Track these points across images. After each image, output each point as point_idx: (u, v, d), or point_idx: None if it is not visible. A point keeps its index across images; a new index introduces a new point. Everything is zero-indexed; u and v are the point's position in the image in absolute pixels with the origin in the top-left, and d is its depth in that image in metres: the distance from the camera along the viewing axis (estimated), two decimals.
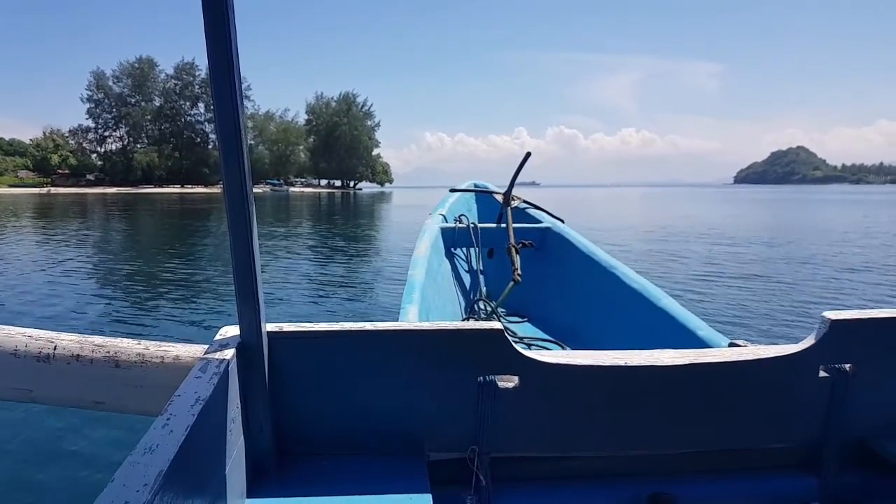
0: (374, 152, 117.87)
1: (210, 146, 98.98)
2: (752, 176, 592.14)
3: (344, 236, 15.42)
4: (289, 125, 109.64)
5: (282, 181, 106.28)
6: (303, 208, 35.39)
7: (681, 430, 1.13)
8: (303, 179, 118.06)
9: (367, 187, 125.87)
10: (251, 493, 1.00)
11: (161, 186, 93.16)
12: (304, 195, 76.15)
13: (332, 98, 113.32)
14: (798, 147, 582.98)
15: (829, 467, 1.17)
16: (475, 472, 1.09)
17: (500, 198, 3.51)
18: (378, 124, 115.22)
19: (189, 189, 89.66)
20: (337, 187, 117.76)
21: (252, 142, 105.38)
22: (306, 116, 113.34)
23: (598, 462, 1.17)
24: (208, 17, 0.77)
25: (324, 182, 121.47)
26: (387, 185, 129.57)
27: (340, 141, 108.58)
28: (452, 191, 3.91)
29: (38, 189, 79.40)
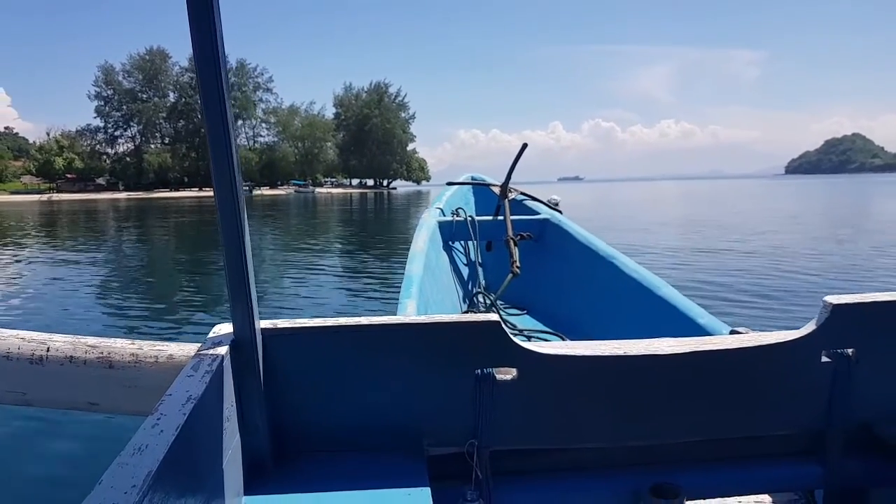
0: (409, 147, 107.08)
1: None
2: (805, 165, 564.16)
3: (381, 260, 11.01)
4: (315, 119, 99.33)
5: (308, 181, 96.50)
6: (330, 213, 30.36)
7: (683, 419, 1.12)
8: (332, 179, 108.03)
9: (401, 186, 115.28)
10: (248, 492, 0.99)
11: (177, 190, 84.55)
12: (332, 196, 67.02)
13: (362, 89, 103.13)
14: (853, 134, 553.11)
15: (832, 453, 1.16)
16: (474, 467, 1.07)
17: (497, 190, 3.50)
18: (413, 116, 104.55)
19: (207, 192, 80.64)
20: (369, 187, 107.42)
21: (275, 139, 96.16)
22: (335, 110, 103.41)
23: (599, 453, 1.16)
24: (193, 13, 0.78)
25: (355, 182, 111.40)
26: (423, 183, 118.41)
27: (372, 135, 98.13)
28: (449, 184, 3.94)
29: (37, 196, 71.53)
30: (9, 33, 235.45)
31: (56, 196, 72.15)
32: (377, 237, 16.29)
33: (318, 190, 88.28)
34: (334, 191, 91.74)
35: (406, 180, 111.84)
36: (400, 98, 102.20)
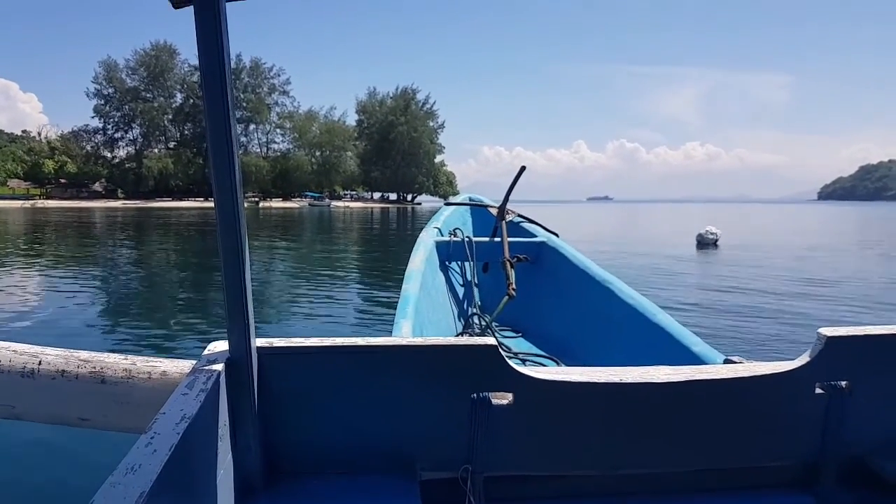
0: (437, 159, 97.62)
1: (241, 150, 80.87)
2: (839, 192, 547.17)
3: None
4: (335, 125, 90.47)
5: (325, 194, 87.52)
6: (348, 231, 26.12)
7: (676, 448, 1.12)
8: (352, 192, 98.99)
9: (426, 201, 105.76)
10: None
11: (180, 199, 76.05)
12: (350, 211, 57.76)
13: (387, 94, 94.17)
14: (890, 161, 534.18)
15: (826, 486, 1.16)
16: (468, 492, 1.06)
17: (494, 211, 3.53)
18: (442, 125, 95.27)
19: (212, 203, 71.91)
20: (392, 201, 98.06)
21: (290, 146, 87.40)
22: (357, 117, 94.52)
23: (593, 481, 1.15)
24: (200, 27, 0.77)
25: (376, 195, 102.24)
26: (450, 198, 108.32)
27: (396, 145, 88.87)
28: (447, 204, 3.94)
29: (20, 202, 63.23)
30: (45, 40, 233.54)
31: (42, 203, 63.99)
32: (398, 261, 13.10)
33: (334, 203, 79.21)
34: (353, 205, 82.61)
35: (432, 195, 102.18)
36: (428, 105, 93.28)
